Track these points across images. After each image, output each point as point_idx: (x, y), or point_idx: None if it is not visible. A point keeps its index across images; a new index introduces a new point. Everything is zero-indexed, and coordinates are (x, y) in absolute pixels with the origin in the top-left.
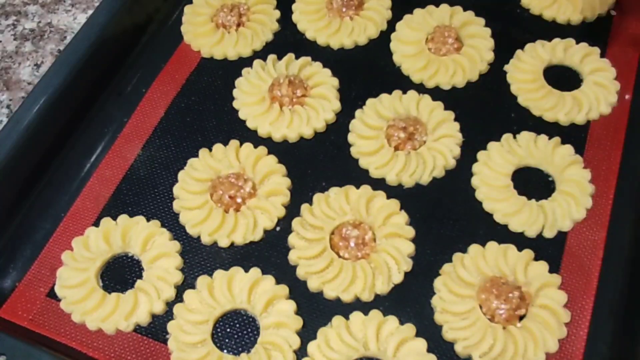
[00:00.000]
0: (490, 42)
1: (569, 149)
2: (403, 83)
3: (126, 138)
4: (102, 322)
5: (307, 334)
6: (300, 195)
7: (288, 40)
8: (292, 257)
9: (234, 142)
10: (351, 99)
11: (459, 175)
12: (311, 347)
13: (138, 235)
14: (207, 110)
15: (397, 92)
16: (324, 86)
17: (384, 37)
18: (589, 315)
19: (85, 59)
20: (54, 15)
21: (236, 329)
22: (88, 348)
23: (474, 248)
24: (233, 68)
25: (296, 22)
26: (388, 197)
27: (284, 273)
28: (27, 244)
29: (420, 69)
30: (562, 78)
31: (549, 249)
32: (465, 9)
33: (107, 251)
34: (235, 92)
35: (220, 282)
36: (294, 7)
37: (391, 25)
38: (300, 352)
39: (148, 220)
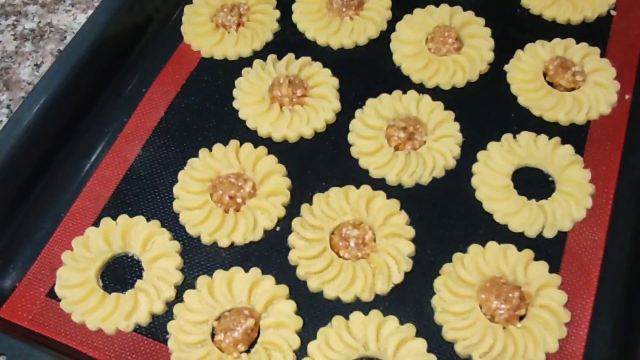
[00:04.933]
0: (490, 42)
1: (569, 149)
2: (403, 83)
3: (126, 138)
4: (102, 322)
5: (307, 334)
6: (300, 195)
7: (288, 40)
8: (292, 257)
9: (234, 142)
10: (351, 99)
11: (459, 175)
12: (311, 347)
13: (138, 235)
14: (207, 110)
15: (397, 92)
16: (323, 86)
17: (384, 37)
18: (589, 315)
19: (85, 59)
20: (54, 15)
21: None
22: (88, 348)
23: (474, 248)
24: (233, 68)
25: (296, 22)
26: (388, 197)
27: (284, 273)
28: (27, 244)
29: (420, 69)
30: None
31: (549, 249)
32: (465, 9)
33: (107, 251)
34: (235, 92)
35: (220, 282)
36: (294, 7)
37: (391, 25)
38: (300, 352)
39: (148, 220)
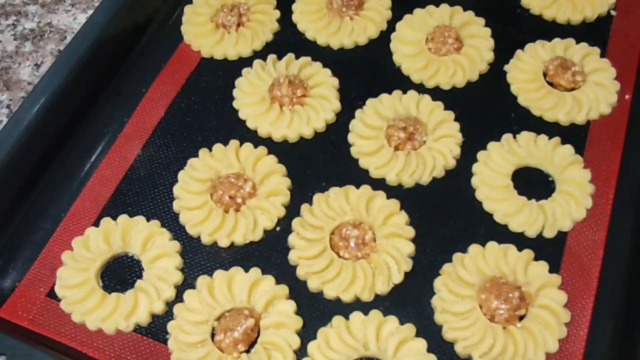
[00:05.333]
0: (490, 42)
1: (569, 149)
2: (403, 83)
3: (126, 138)
4: (102, 322)
5: (307, 334)
6: (300, 195)
7: (288, 40)
8: (292, 257)
9: (234, 142)
10: (351, 99)
11: (459, 175)
12: (311, 347)
13: (138, 235)
14: (207, 110)
15: (397, 92)
16: (324, 86)
17: (384, 37)
18: (589, 315)
19: (85, 59)
20: (54, 15)
21: None
22: (88, 348)
23: (474, 248)
24: (233, 68)
25: (296, 22)
26: (388, 197)
27: (284, 273)
28: (27, 244)
29: (420, 69)
30: None
31: (549, 249)
32: (465, 9)
33: (107, 251)
34: (235, 92)
35: (220, 282)
36: (294, 7)
37: (391, 25)
38: (300, 352)
39: (148, 220)
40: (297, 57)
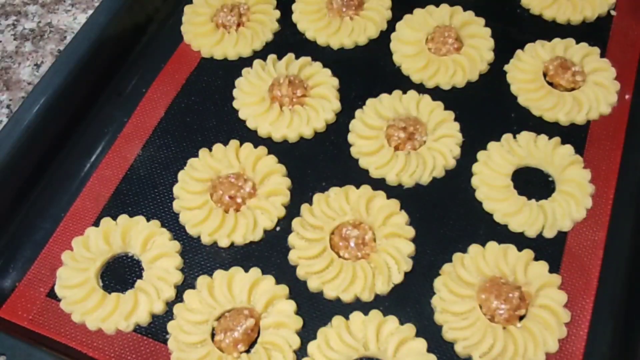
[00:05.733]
0: (490, 42)
1: (569, 149)
2: (403, 83)
3: (126, 138)
4: (102, 322)
5: (307, 334)
6: (300, 195)
7: (288, 40)
8: (292, 257)
9: (234, 142)
10: (351, 99)
11: (459, 175)
12: (311, 347)
13: (138, 235)
14: (207, 110)
15: (397, 92)
16: (324, 86)
17: (384, 37)
18: (589, 315)
19: (85, 59)
20: (54, 15)
21: None
22: (88, 348)
23: (474, 248)
24: (233, 68)
25: (296, 22)
26: (388, 197)
27: (284, 273)
28: (27, 244)
29: (420, 69)
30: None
31: (549, 249)
32: (465, 9)
33: (107, 251)
34: (235, 92)
35: (220, 282)
36: (294, 7)
37: (391, 25)
38: (300, 352)
39: (148, 220)
40: (297, 57)
